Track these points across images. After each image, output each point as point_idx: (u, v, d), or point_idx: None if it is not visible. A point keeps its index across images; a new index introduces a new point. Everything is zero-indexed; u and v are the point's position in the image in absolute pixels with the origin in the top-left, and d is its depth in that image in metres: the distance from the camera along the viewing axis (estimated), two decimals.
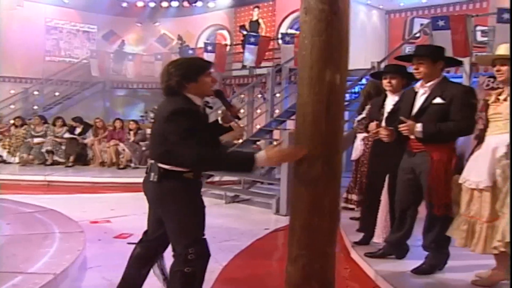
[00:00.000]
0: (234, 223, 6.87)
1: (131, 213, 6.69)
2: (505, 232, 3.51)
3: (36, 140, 12.30)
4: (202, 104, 3.25)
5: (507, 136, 3.62)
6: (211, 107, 3.41)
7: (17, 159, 12.23)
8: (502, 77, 3.77)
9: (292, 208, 2.89)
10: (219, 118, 3.50)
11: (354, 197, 6.45)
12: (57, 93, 17.20)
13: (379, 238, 4.86)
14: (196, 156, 2.95)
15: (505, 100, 3.74)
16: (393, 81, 4.85)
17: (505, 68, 3.73)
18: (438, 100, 4.03)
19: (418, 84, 4.27)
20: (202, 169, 3.23)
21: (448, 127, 3.97)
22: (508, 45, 3.86)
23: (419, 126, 3.98)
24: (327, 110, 2.70)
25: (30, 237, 5.03)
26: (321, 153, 2.69)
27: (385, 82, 4.92)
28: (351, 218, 6.13)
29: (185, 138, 2.94)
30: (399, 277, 4.15)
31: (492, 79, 9.82)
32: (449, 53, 9.88)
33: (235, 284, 4.48)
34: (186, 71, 3.17)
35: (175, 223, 3.15)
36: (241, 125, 11.19)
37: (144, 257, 3.44)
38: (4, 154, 12.41)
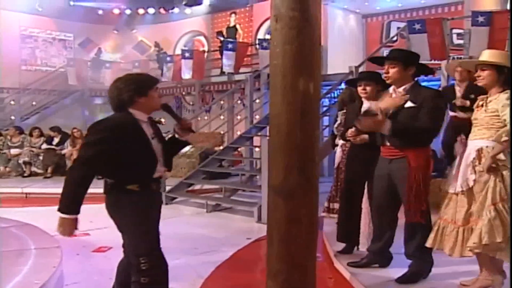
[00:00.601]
0: (215, 232, 6.80)
1: (111, 225, 6.54)
2: (482, 234, 3.50)
3: (13, 151, 12.10)
4: (147, 119, 3.34)
5: (480, 142, 3.69)
6: (159, 122, 3.62)
7: None
8: (482, 81, 3.81)
9: (269, 220, 2.82)
10: (175, 132, 3.54)
11: (336, 205, 6.37)
12: (34, 103, 17.01)
13: (364, 246, 4.82)
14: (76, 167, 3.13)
15: (482, 106, 3.77)
16: (368, 88, 4.81)
17: (485, 73, 3.77)
18: (409, 104, 4.05)
19: (391, 89, 4.26)
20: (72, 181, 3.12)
21: (414, 126, 3.98)
22: (491, 51, 3.93)
23: (387, 123, 3.93)
24: (301, 119, 2.64)
25: (4, 254, 4.89)
26: (297, 164, 2.63)
27: (360, 89, 4.88)
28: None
29: (83, 149, 3.20)
30: (383, 286, 4.13)
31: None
32: (426, 56, 9.96)
33: None
34: (137, 86, 3.27)
35: (125, 234, 3.32)
36: (221, 132, 11.05)
37: (127, 264, 3.42)
38: None
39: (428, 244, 3.91)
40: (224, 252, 5.66)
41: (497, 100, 3.70)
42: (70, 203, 3.06)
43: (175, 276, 4.65)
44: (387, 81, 4.24)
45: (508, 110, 3.55)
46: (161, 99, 3.45)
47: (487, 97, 3.82)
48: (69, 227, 3.03)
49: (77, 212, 3.05)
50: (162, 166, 3.39)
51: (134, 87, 3.25)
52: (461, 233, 3.72)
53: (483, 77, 3.80)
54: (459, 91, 7.22)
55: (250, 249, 5.97)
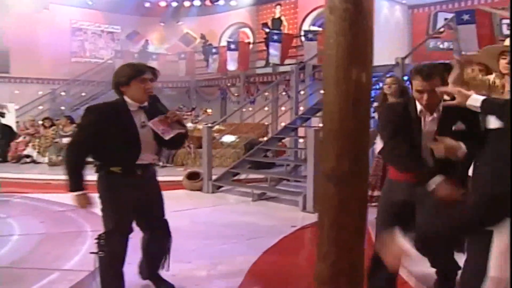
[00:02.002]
0: (261, 220, 6.94)
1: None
2: None
3: (65, 140, 12.50)
4: (139, 108, 3.53)
5: None
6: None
7: (46, 159, 12.48)
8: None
9: (321, 206, 2.92)
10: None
11: (376, 193, 6.44)
12: (83, 94, 17.50)
13: None
14: (69, 145, 3.58)
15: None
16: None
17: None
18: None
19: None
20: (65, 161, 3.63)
21: None
22: None
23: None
24: (353, 108, 2.72)
25: (63, 235, 5.19)
26: (349, 151, 2.71)
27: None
28: None
29: (77, 130, 3.65)
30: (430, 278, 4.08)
31: None
32: (474, 47, 9.83)
33: (264, 280, 4.53)
34: (120, 76, 3.49)
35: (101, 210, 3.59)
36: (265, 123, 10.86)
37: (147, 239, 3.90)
38: (34, 154, 12.69)
39: None
40: (270, 238, 5.77)
41: None
42: (73, 183, 3.49)
43: (223, 260, 4.89)
44: None
45: None
46: (151, 90, 3.55)
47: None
48: (80, 202, 3.46)
49: (80, 188, 3.47)
50: (151, 154, 3.60)
51: (118, 77, 3.49)
52: None
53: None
54: None
55: (296, 236, 6.08)
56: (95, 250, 3.50)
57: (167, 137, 3.53)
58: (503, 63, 3.74)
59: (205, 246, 5.43)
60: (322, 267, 2.90)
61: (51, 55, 16.89)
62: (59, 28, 17.53)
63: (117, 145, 3.42)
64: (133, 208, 3.60)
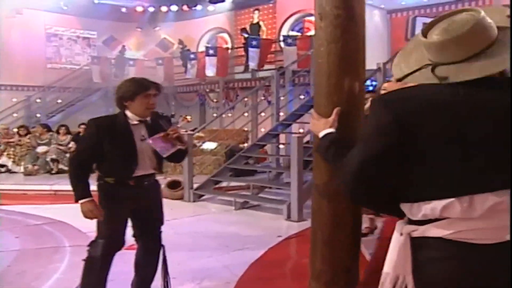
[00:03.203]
0: (245, 230, 6.78)
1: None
2: None
3: (40, 149, 12.24)
4: (139, 122, 3.59)
5: None
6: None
7: (22, 169, 12.19)
8: None
9: (313, 222, 2.79)
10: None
11: None
12: (59, 100, 17.22)
13: None
14: (73, 155, 3.73)
15: None
16: None
17: None
18: None
19: None
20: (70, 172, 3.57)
21: None
22: None
23: None
24: (347, 119, 2.60)
25: (39, 251, 4.99)
26: None
27: None
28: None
29: (80, 141, 3.63)
30: None
31: None
32: None
33: None
34: (125, 91, 3.53)
35: None
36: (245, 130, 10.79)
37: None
38: (9, 164, 12.38)
39: None
40: (256, 250, 5.61)
41: None
42: (77, 191, 3.44)
43: (209, 275, 4.73)
44: None
45: None
46: (154, 106, 3.60)
47: None
48: (88, 210, 3.39)
49: (87, 196, 3.41)
50: (149, 167, 3.67)
51: (123, 91, 3.53)
52: None
53: None
54: None
55: (282, 247, 5.92)
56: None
57: (165, 155, 3.60)
58: None
59: (190, 260, 5.25)
60: (315, 286, 2.77)
61: (25, 61, 16.64)
62: (34, 33, 17.25)
63: (114, 157, 3.52)
64: (124, 217, 3.66)
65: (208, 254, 5.52)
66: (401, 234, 1.89)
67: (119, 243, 3.62)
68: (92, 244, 3.60)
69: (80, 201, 3.40)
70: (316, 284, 2.75)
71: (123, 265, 3.80)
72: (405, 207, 1.87)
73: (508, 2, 9.76)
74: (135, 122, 3.58)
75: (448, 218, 1.75)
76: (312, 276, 2.78)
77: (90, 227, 6.14)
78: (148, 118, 3.63)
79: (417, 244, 1.87)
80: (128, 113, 3.56)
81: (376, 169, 1.83)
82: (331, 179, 2.63)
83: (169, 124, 3.88)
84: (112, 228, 3.58)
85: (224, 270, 4.90)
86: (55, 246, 5.16)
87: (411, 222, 1.88)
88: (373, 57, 12.00)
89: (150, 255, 3.91)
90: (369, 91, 4.02)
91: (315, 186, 2.75)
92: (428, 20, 8.25)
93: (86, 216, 3.43)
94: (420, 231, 1.85)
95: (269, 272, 4.96)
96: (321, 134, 2.44)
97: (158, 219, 3.90)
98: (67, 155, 12.10)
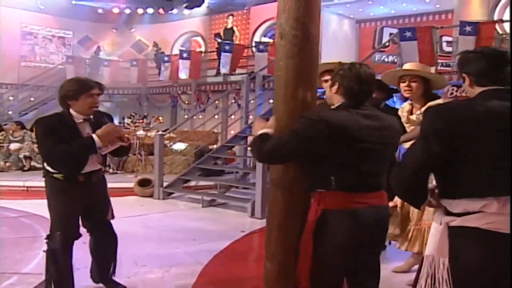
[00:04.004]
0: (212, 225, 7.20)
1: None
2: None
3: (13, 146, 12.41)
4: (83, 120, 3.74)
5: None
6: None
7: None
8: (409, 93, 4.20)
9: (269, 211, 3.23)
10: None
11: None
12: (32, 98, 17.29)
13: None
14: (47, 153, 3.61)
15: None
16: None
17: (414, 85, 4.15)
18: None
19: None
20: (61, 166, 3.67)
21: None
22: (416, 63, 4.35)
23: None
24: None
25: (18, 240, 5.30)
26: (294, 162, 3.03)
27: None
28: None
29: (40, 141, 3.68)
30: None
31: (456, 88, 10.37)
32: (415, 61, 10.42)
33: (216, 281, 4.79)
34: (68, 90, 3.68)
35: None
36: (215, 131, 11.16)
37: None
38: None
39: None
40: (221, 243, 6.03)
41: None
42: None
43: (176, 263, 5.14)
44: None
45: None
46: (97, 105, 3.79)
47: (412, 109, 4.29)
48: (107, 134, 3.66)
49: (93, 140, 3.60)
50: (95, 162, 3.83)
51: (66, 90, 3.68)
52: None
53: (411, 88, 4.15)
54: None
55: (245, 240, 6.36)
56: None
57: (103, 153, 3.81)
58: (402, 86, 4.19)
59: (158, 250, 5.65)
60: (270, 267, 3.20)
61: None
62: (9, 31, 17.32)
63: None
64: (77, 211, 3.83)
65: (176, 245, 5.92)
66: (441, 224, 2.31)
67: (75, 234, 3.79)
68: (49, 237, 3.77)
69: (94, 138, 3.59)
70: (270, 264, 3.19)
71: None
72: (446, 201, 2.29)
73: (467, 19, 10.40)
74: (80, 121, 3.71)
75: (484, 212, 2.17)
76: (266, 257, 3.23)
77: None
78: (91, 117, 3.77)
79: (455, 233, 2.26)
80: (72, 111, 3.69)
81: (429, 169, 2.27)
82: (284, 174, 3.08)
83: (111, 122, 4.01)
84: (65, 221, 3.75)
85: (191, 259, 5.31)
86: (33, 236, 5.49)
87: (449, 213, 2.29)
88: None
89: (103, 246, 4.15)
90: (321, 98, 4.44)
91: (271, 180, 3.21)
92: (394, 30, 8.75)
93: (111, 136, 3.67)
94: (458, 222, 2.24)
95: (231, 261, 5.40)
96: (258, 133, 2.90)
97: (103, 210, 4.06)
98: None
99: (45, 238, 3.77)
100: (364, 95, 2.81)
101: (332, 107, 2.86)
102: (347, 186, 2.68)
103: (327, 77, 4.05)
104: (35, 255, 4.74)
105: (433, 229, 2.37)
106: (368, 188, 2.72)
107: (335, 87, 2.86)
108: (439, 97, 4.29)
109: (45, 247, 4.85)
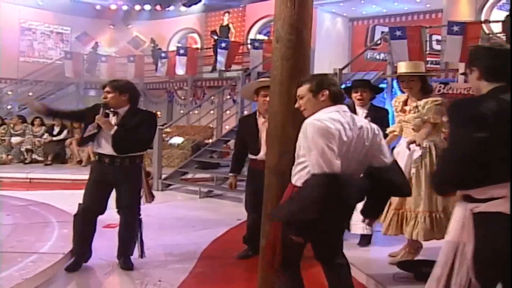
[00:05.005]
0: (209, 214, 7.64)
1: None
2: (418, 235, 4.32)
3: (14, 139, 12.74)
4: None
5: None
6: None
7: None
8: (408, 91, 4.55)
9: (265, 195, 3.64)
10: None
11: None
12: (31, 93, 17.54)
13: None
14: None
15: (410, 111, 4.50)
16: (364, 94, 5.26)
17: (412, 83, 4.48)
18: None
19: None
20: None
21: None
22: (411, 63, 4.70)
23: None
24: (293, 116, 3.44)
25: (31, 225, 5.68)
26: (289, 151, 3.42)
27: (357, 95, 5.26)
28: None
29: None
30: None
31: (443, 85, 10.78)
32: (405, 59, 10.83)
33: (216, 261, 5.26)
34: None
35: None
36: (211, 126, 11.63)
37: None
38: None
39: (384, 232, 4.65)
40: (218, 229, 6.50)
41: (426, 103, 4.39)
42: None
43: (178, 247, 5.55)
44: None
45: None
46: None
47: (406, 100, 4.61)
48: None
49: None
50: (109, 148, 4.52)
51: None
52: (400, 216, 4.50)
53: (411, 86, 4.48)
54: None
55: (241, 227, 6.63)
56: None
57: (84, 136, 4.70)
58: (402, 84, 4.54)
59: (161, 236, 6.06)
60: (264, 243, 3.61)
61: None
62: (8, 27, 17.59)
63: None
64: (99, 188, 4.62)
65: (176, 232, 6.36)
66: (465, 210, 2.40)
67: (94, 207, 4.60)
68: (78, 206, 4.62)
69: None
70: (265, 241, 3.59)
71: None
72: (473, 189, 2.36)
73: (455, 19, 10.80)
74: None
75: (505, 197, 2.27)
76: (262, 235, 3.64)
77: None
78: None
79: (479, 219, 2.34)
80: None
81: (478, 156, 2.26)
82: (279, 160, 3.50)
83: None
84: (87, 194, 4.61)
85: (191, 244, 5.74)
86: (45, 222, 5.86)
87: (473, 200, 2.37)
88: (336, 61, 12.96)
89: (122, 227, 4.76)
90: None
91: (267, 166, 3.62)
92: (386, 29, 9.14)
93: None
94: (483, 207, 2.32)
95: (228, 245, 5.81)
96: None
97: (127, 195, 4.65)
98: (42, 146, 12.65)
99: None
100: None
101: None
102: None
103: (264, 93, 4.76)
104: (49, 238, 5.12)
105: (456, 215, 2.47)
106: None
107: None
108: (432, 91, 4.65)
109: (56, 231, 5.34)
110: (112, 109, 4.53)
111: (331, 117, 2.96)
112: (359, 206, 3.24)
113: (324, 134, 2.85)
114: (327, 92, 3.06)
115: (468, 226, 2.38)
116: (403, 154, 4.39)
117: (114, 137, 4.45)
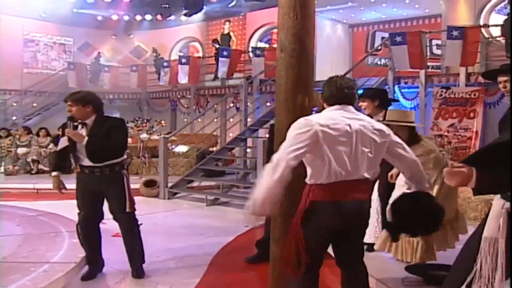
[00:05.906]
0: (217, 222, 7.72)
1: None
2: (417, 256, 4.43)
3: (20, 150, 12.85)
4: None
5: None
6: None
7: (2, 169, 12.77)
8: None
9: None
10: None
11: None
12: (35, 104, 17.72)
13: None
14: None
15: None
16: (364, 104, 5.27)
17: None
18: None
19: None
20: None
21: None
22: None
23: None
24: None
25: (42, 235, 5.76)
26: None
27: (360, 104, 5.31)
28: None
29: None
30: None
31: (444, 90, 10.88)
32: (406, 65, 10.95)
33: (226, 268, 5.32)
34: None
35: None
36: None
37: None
38: None
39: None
40: (226, 237, 6.57)
41: None
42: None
43: (188, 254, 5.62)
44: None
45: None
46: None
47: None
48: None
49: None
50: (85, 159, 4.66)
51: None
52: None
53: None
54: None
55: (249, 234, 6.81)
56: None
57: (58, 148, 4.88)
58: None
59: (170, 244, 6.16)
60: (276, 249, 3.71)
61: (2, 66, 17.03)
62: (11, 39, 17.74)
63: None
64: (89, 196, 4.77)
65: (185, 239, 6.43)
66: (502, 208, 2.47)
67: (91, 215, 4.81)
68: (78, 215, 4.84)
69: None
70: (276, 247, 3.69)
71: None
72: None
73: (454, 23, 10.90)
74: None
75: None
76: (273, 241, 3.73)
77: (76, 219, 6.89)
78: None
79: None
80: None
81: None
82: None
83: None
84: (79, 202, 4.85)
85: (200, 251, 5.83)
86: (55, 232, 5.93)
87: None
88: (336, 67, 13.05)
89: (122, 234, 4.93)
90: None
91: None
92: (386, 34, 9.20)
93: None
94: None
95: (238, 251, 5.90)
96: None
97: (115, 202, 4.77)
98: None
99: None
100: None
101: None
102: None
103: None
104: (60, 247, 5.20)
105: (494, 212, 2.53)
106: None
107: None
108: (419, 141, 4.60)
109: (67, 241, 5.43)
110: (79, 121, 4.65)
111: (325, 115, 3.08)
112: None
113: (297, 127, 3.01)
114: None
115: (504, 223, 2.46)
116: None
117: (87, 147, 4.55)
